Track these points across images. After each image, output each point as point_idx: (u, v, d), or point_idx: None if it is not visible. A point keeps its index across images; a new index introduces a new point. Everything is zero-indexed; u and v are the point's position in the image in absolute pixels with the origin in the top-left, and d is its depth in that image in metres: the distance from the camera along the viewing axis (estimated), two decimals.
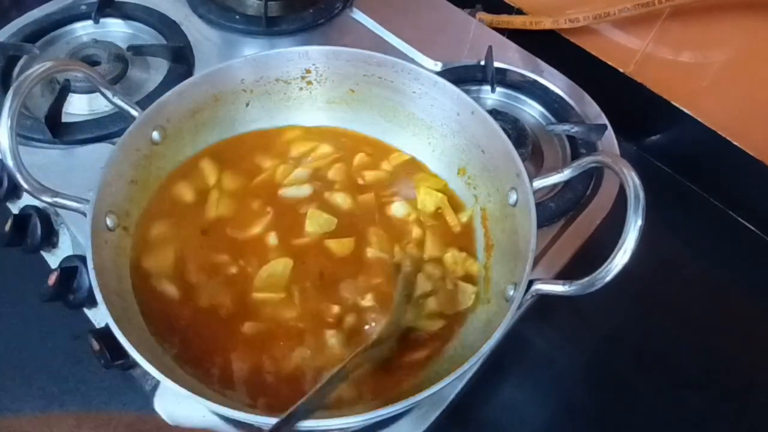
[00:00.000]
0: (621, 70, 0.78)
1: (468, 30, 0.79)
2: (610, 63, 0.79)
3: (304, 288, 0.49)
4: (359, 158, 0.58)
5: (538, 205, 0.44)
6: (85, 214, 0.42)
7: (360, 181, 0.56)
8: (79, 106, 0.65)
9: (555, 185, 0.57)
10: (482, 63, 0.72)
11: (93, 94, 0.65)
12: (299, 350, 0.46)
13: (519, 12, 0.84)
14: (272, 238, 0.51)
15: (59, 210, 0.55)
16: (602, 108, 0.70)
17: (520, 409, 0.57)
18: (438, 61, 0.73)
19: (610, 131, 0.67)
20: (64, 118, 0.62)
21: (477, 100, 0.59)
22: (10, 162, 0.41)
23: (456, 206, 0.55)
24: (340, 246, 0.51)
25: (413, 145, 0.58)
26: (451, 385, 0.39)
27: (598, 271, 0.38)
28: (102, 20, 0.73)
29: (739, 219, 0.74)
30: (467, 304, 0.49)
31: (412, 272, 0.49)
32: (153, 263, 0.48)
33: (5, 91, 0.42)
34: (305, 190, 0.55)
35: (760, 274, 0.70)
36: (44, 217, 0.57)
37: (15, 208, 0.60)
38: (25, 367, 0.57)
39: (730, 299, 0.68)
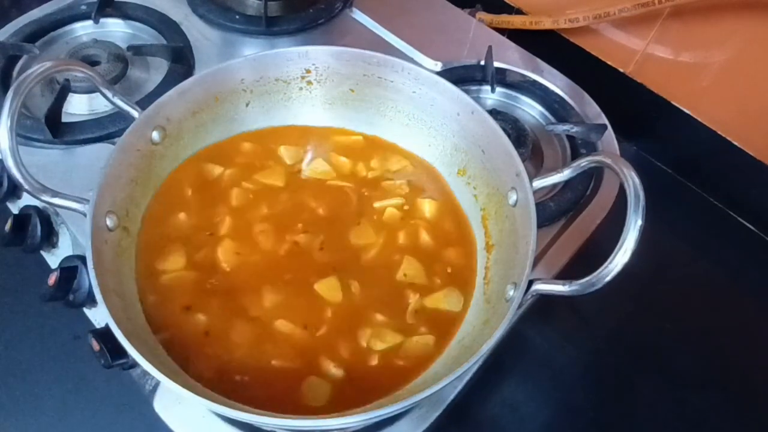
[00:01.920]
0: (621, 70, 0.78)
1: (468, 30, 0.79)
2: (610, 63, 0.79)
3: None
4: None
5: (538, 205, 0.44)
6: (85, 214, 0.42)
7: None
8: (79, 106, 0.65)
9: (555, 185, 0.57)
10: (482, 63, 0.72)
11: (93, 94, 0.65)
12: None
13: (519, 12, 0.84)
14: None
15: (59, 210, 0.55)
16: (602, 108, 0.70)
17: (519, 409, 0.57)
18: (438, 61, 0.73)
19: (610, 131, 0.67)
20: (64, 118, 0.62)
21: (477, 100, 0.59)
22: (10, 162, 0.41)
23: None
24: None
25: (413, 145, 0.58)
26: (451, 385, 0.39)
27: (598, 271, 0.38)
28: (102, 20, 0.73)
29: (739, 219, 0.74)
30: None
31: None
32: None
33: (5, 91, 0.42)
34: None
35: (760, 274, 0.70)
36: (44, 217, 0.57)
37: (15, 208, 0.60)
38: (25, 367, 0.57)
39: (730, 299, 0.68)
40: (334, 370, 0.45)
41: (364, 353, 0.46)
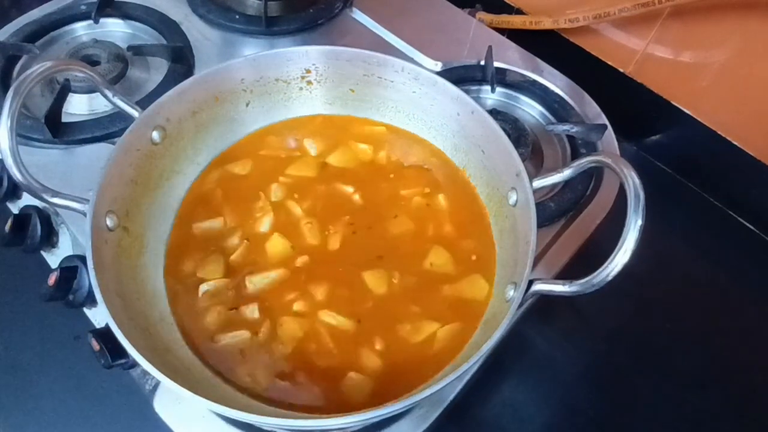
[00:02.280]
0: (621, 70, 0.78)
1: (468, 30, 0.79)
2: (610, 63, 0.79)
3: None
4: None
5: (538, 205, 0.44)
6: (85, 214, 0.42)
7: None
8: (79, 106, 0.65)
9: (555, 185, 0.57)
10: (482, 63, 0.72)
11: (93, 94, 0.65)
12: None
13: (519, 12, 0.84)
14: None
15: (59, 210, 0.55)
16: (602, 108, 0.70)
17: (520, 409, 0.57)
18: (438, 61, 0.73)
19: (610, 131, 0.67)
20: (64, 118, 0.62)
21: (477, 100, 0.58)
22: (10, 162, 0.41)
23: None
24: None
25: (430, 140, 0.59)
26: (451, 385, 0.39)
27: (598, 271, 0.38)
28: (102, 20, 0.73)
29: (739, 219, 0.75)
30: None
31: None
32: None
33: (5, 91, 0.42)
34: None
35: (760, 274, 0.70)
36: (44, 217, 0.57)
37: (15, 208, 0.60)
38: (25, 367, 0.57)
39: (730, 299, 0.68)
40: (375, 363, 0.45)
41: (402, 344, 0.47)
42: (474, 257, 0.51)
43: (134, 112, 0.48)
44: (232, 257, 0.50)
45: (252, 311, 0.48)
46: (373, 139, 0.59)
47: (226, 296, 0.49)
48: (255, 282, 0.49)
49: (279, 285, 0.49)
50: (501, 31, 0.80)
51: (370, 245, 0.52)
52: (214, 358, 0.45)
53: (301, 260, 0.50)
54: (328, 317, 0.47)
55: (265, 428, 0.46)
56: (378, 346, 0.46)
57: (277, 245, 0.51)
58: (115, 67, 0.67)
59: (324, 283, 0.49)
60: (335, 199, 0.55)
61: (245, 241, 0.51)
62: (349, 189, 0.55)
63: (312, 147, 0.58)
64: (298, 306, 0.48)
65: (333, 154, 0.58)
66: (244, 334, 0.47)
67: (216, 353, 0.46)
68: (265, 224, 0.53)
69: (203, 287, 0.49)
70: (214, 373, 0.45)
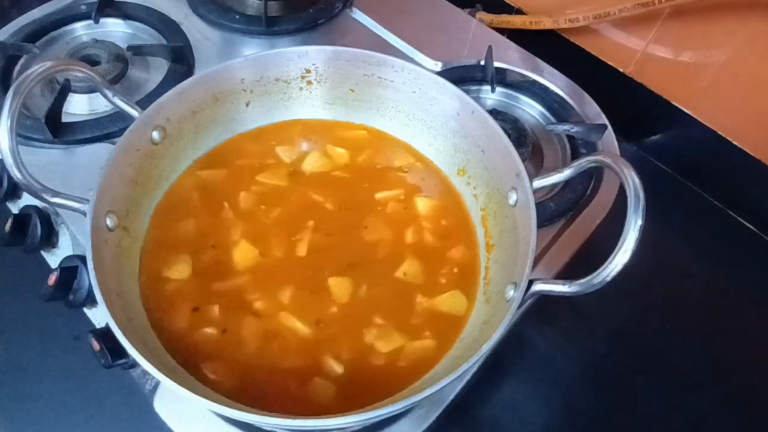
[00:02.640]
0: (621, 70, 0.78)
1: (468, 30, 0.79)
2: (610, 63, 0.79)
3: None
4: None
5: (538, 205, 0.44)
6: (85, 214, 0.42)
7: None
8: (79, 106, 0.65)
9: (555, 185, 0.57)
10: (482, 63, 0.72)
11: (93, 94, 0.65)
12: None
13: (519, 12, 0.84)
14: None
15: (59, 210, 0.55)
16: (602, 108, 0.70)
17: (520, 409, 0.57)
18: (438, 61, 0.73)
19: (610, 131, 0.67)
20: (64, 118, 0.62)
21: (477, 100, 0.58)
22: (10, 162, 0.41)
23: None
24: None
25: (413, 144, 0.59)
26: (451, 385, 0.39)
27: (598, 271, 0.38)
28: (102, 20, 0.73)
29: (739, 219, 0.75)
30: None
31: None
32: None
33: (5, 91, 0.42)
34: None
35: (760, 274, 0.70)
36: (44, 217, 0.57)
37: (15, 208, 0.60)
38: (25, 367, 0.57)
39: (730, 299, 0.68)
40: (338, 370, 0.45)
41: (368, 354, 0.46)
42: (456, 270, 0.51)
43: (134, 112, 0.48)
44: (200, 260, 0.50)
45: (215, 311, 0.47)
46: (351, 144, 0.58)
47: (191, 297, 0.48)
48: (220, 285, 0.49)
49: (243, 288, 0.49)
50: (501, 31, 0.80)
51: (341, 252, 0.51)
52: (182, 356, 0.45)
53: (267, 265, 0.50)
54: (287, 320, 0.47)
55: (265, 428, 0.46)
56: (340, 353, 0.46)
57: (244, 251, 0.51)
58: (115, 67, 0.67)
59: (288, 287, 0.49)
60: (306, 206, 0.54)
61: (213, 245, 0.51)
62: (320, 198, 0.55)
63: (286, 154, 0.58)
64: (258, 306, 0.48)
65: (306, 160, 0.57)
66: (207, 334, 0.46)
67: (183, 351, 0.45)
68: (233, 232, 0.52)
69: (168, 287, 0.48)
70: (188, 372, 0.44)
